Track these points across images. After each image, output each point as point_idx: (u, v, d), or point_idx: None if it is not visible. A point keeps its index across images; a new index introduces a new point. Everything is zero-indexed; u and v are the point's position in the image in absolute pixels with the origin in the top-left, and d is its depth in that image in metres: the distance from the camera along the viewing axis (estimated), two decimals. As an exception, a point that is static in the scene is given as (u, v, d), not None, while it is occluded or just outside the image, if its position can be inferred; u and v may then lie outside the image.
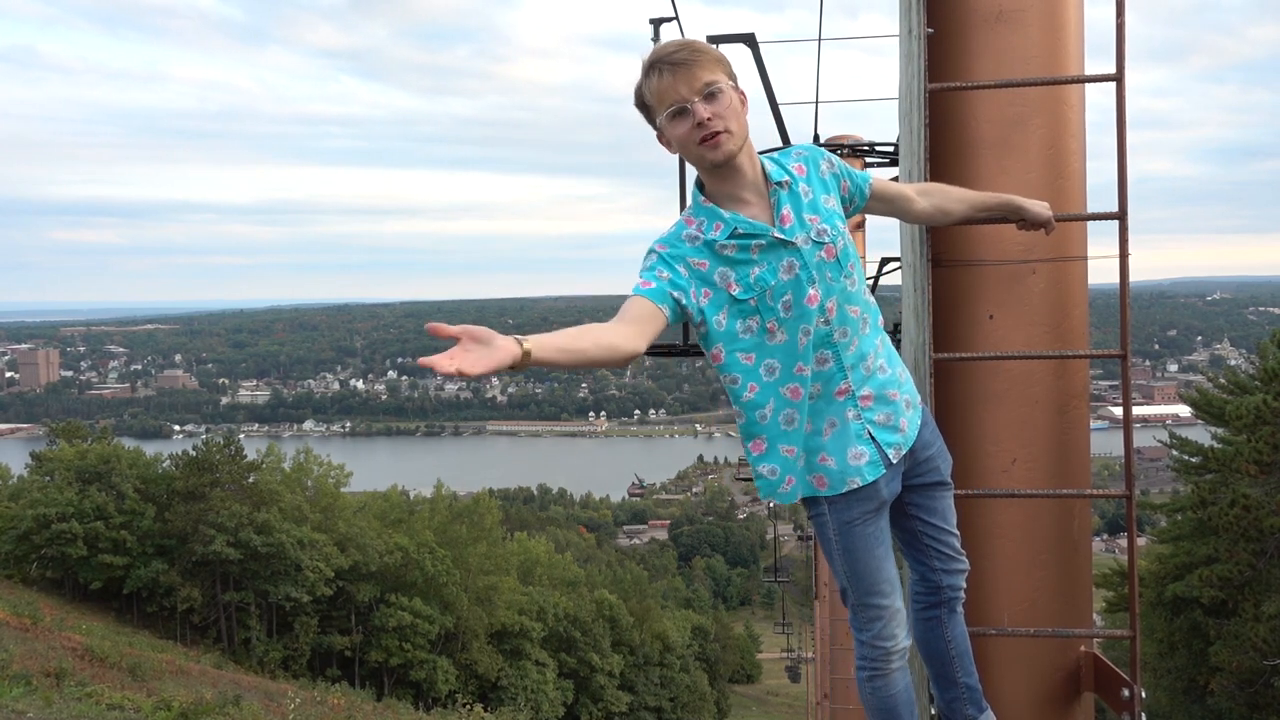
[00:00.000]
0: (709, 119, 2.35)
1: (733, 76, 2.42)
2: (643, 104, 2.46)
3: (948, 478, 2.77)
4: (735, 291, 2.43)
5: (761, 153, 2.58)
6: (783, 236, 2.44)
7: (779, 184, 2.49)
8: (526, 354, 2.02)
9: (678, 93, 2.36)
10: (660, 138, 2.48)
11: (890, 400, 2.59)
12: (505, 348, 1.96)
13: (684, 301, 2.42)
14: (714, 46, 2.43)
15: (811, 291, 2.44)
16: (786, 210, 2.47)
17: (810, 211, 2.50)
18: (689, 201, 2.56)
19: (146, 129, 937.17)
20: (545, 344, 2.10)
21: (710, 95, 2.35)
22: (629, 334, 2.28)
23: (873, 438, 2.56)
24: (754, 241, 2.43)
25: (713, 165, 2.42)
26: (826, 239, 2.48)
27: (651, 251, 2.48)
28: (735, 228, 2.43)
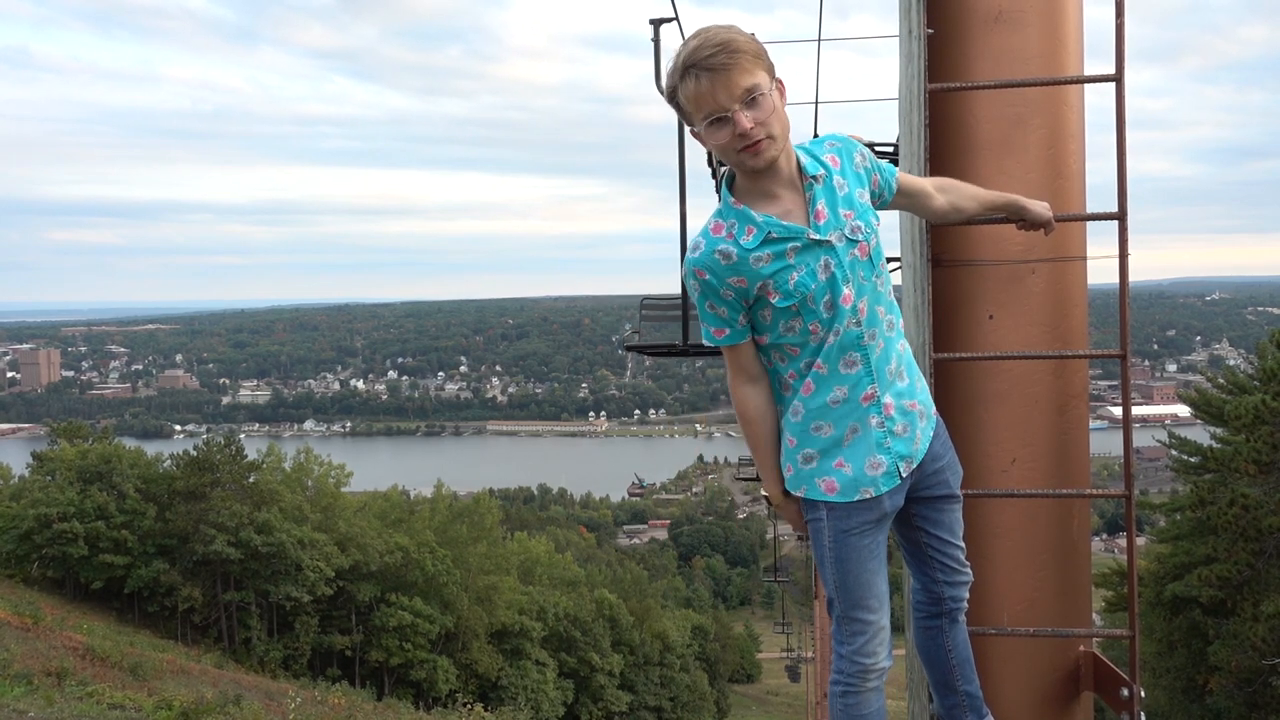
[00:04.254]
0: (751, 128, 2.26)
1: (771, 70, 2.31)
2: (677, 105, 2.36)
3: (957, 490, 2.70)
4: (775, 300, 2.38)
5: None
6: (818, 237, 2.37)
7: (814, 178, 2.41)
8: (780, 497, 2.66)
9: (716, 101, 2.25)
10: (696, 134, 2.39)
11: (908, 411, 2.54)
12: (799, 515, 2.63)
13: (747, 321, 2.48)
14: (749, 38, 2.30)
15: (846, 291, 2.39)
16: (821, 205, 2.40)
17: (845, 206, 2.43)
18: (719, 200, 2.49)
19: (141, 129, 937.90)
20: (774, 479, 2.62)
21: (751, 101, 2.25)
22: (769, 390, 2.57)
23: (889, 448, 2.50)
24: (789, 245, 2.37)
25: (754, 171, 2.35)
26: (860, 236, 2.42)
27: (694, 278, 2.43)
28: (769, 231, 2.36)
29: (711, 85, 2.24)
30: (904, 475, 2.54)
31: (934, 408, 2.69)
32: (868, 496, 2.50)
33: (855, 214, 2.44)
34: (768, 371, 2.55)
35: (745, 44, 2.27)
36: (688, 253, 2.45)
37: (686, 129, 2.46)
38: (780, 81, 2.35)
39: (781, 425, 2.56)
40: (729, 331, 2.46)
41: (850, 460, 2.49)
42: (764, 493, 2.57)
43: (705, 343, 2.53)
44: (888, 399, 2.49)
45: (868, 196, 2.52)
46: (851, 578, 2.54)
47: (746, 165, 2.34)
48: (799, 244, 2.37)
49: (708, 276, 2.39)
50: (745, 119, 2.25)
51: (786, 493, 2.60)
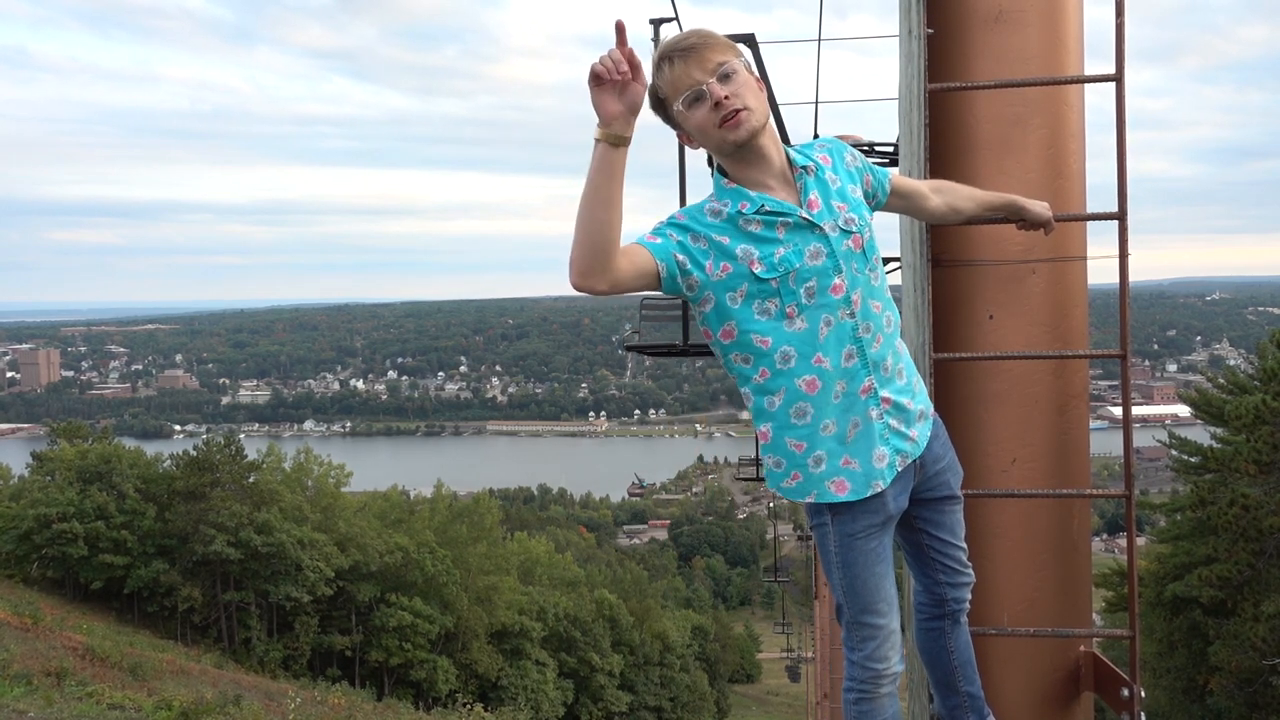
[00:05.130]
0: (726, 98, 2.29)
1: (744, 60, 2.37)
2: (657, 101, 2.38)
3: (957, 491, 2.70)
4: (758, 270, 2.34)
5: None
6: (810, 218, 2.37)
7: (804, 169, 2.43)
8: (624, 139, 2.15)
9: (691, 78, 2.30)
10: (680, 135, 2.42)
11: (905, 409, 2.52)
12: (628, 108, 2.14)
13: (689, 268, 2.34)
14: (722, 35, 2.37)
15: (837, 280, 2.37)
16: (814, 195, 2.41)
17: (838, 199, 2.44)
18: (711, 189, 2.48)
19: (141, 129, 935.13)
20: (623, 153, 2.17)
21: (724, 76, 2.30)
22: (621, 263, 2.22)
23: (888, 440, 2.49)
24: (780, 220, 2.36)
25: (736, 146, 2.35)
26: (854, 228, 2.42)
27: (670, 220, 2.40)
28: (762, 204, 2.36)
29: (685, 65, 2.31)
30: (899, 469, 2.52)
31: (933, 408, 2.68)
32: (878, 490, 2.47)
33: (848, 207, 2.44)
34: (737, 378, 2.52)
35: (716, 34, 2.35)
36: None
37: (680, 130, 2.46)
38: (757, 77, 2.38)
39: (774, 432, 2.48)
40: (661, 242, 2.33)
41: (856, 456, 2.46)
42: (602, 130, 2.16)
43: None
44: (885, 393, 2.48)
45: (860, 194, 2.53)
46: (859, 582, 2.53)
47: (728, 140, 2.34)
48: (790, 220, 2.37)
49: (686, 220, 2.38)
50: (719, 89, 2.29)
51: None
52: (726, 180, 2.43)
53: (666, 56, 2.34)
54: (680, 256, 2.33)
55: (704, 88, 2.30)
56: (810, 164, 2.45)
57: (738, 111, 2.30)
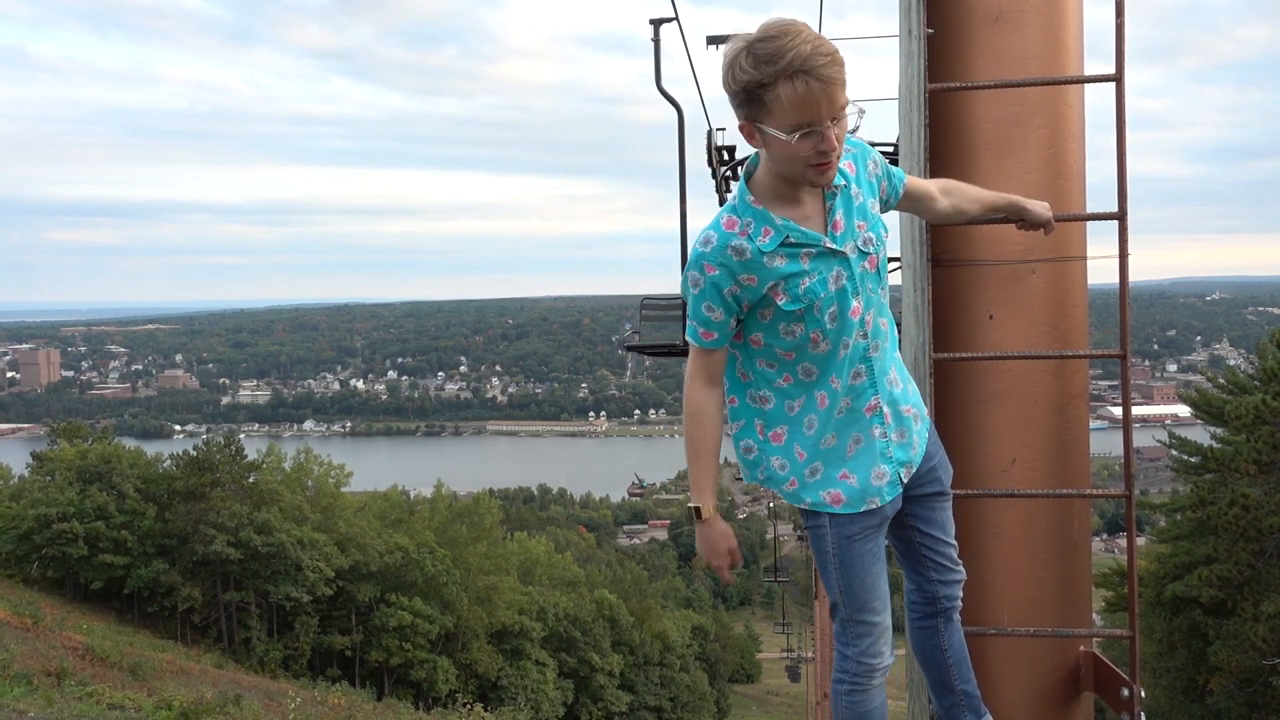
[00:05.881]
0: (836, 147, 2.21)
1: None
2: (751, 96, 2.19)
3: (947, 488, 2.72)
4: (782, 302, 2.35)
5: None
6: (834, 246, 2.36)
7: (835, 187, 2.39)
8: (712, 511, 2.59)
9: (818, 112, 2.15)
10: (746, 128, 2.27)
11: (904, 416, 2.55)
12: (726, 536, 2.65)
13: (737, 323, 2.46)
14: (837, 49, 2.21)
15: (855, 303, 2.39)
16: (839, 216, 2.39)
17: (860, 217, 2.42)
18: (736, 194, 2.43)
19: (139, 129, 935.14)
20: (711, 491, 2.56)
21: (837, 119, 2.20)
22: (723, 398, 2.55)
23: (891, 457, 2.52)
24: (804, 249, 2.35)
25: (811, 186, 2.32)
26: (871, 249, 2.42)
27: (700, 273, 2.36)
28: (786, 235, 2.33)
29: (820, 96, 2.14)
30: (904, 480, 2.56)
31: (925, 409, 2.70)
32: (874, 507, 2.51)
33: (868, 225, 2.44)
34: (747, 378, 2.54)
35: (841, 57, 2.19)
36: (697, 245, 2.39)
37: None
38: None
39: (788, 435, 2.51)
40: (717, 335, 2.43)
41: (855, 472, 2.49)
42: (692, 504, 2.54)
43: (688, 339, 2.50)
44: (889, 409, 2.51)
45: (878, 208, 2.52)
46: (856, 582, 2.56)
47: (810, 179, 2.28)
48: (814, 250, 2.36)
49: (718, 273, 2.35)
50: (833, 136, 2.19)
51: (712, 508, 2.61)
52: (753, 197, 2.37)
53: (800, 74, 2.12)
54: (732, 324, 2.45)
55: (821, 129, 2.18)
56: (841, 181, 2.41)
57: (833, 160, 2.24)
